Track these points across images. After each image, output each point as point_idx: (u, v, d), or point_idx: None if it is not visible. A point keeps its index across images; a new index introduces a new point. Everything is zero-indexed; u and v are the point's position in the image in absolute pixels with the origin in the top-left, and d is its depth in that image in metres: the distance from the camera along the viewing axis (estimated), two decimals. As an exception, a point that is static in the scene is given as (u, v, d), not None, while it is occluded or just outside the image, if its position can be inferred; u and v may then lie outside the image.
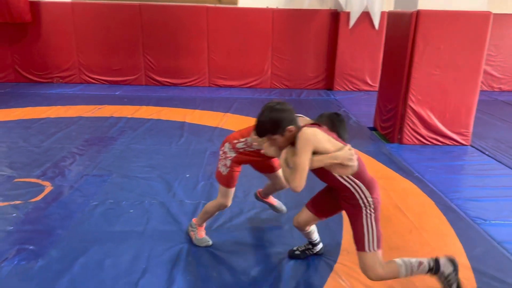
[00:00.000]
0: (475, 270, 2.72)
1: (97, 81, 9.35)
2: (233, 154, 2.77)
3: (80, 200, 3.60)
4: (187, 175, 4.19)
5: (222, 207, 2.90)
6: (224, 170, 2.79)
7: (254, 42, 9.17)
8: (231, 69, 9.33)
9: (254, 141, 2.59)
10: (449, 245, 3.05)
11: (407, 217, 3.45)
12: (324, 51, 9.38)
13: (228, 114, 6.89)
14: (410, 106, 5.26)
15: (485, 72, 9.49)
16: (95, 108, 6.98)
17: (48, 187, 3.84)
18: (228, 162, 2.77)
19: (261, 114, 2.27)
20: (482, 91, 9.43)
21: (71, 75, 9.33)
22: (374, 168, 4.56)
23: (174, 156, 4.77)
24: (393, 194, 3.91)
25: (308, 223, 2.62)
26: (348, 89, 9.36)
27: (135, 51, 9.13)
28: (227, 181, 2.80)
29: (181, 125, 6.09)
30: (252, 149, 2.69)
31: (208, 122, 6.31)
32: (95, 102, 7.44)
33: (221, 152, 2.84)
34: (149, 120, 6.34)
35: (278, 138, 2.26)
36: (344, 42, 9.05)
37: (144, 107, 7.14)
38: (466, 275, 2.65)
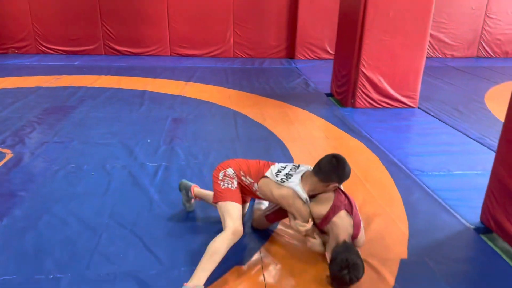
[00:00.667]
0: (409, 215, 3.06)
1: (55, 51, 9.13)
2: (236, 182, 2.56)
3: (41, 165, 3.69)
4: (148, 141, 4.33)
5: (236, 234, 2.34)
6: (232, 186, 2.52)
7: (216, 10, 9.16)
8: (193, 38, 9.32)
9: (299, 225, 2.40)
10: (388, 194, 3.38)
11: (354, 171, 3.73)
12: (286, 20, 9.49)
13: (190, 82, 6.98)
14: (362, 71, 5.53)
15: (438, 39, 9.94)
16: (53, 78, 6.89)
17: (9, 154, 3.89)
18: (235, 183, 2.55)
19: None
20: (435, 58, 9.94)
21: (27, 45, 9.07)
22: (328, 130, 4.85)
23: (135, 123, 4.87)
24: (342, 152, 4.17)
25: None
26: (309, 58, 9.59)
27: (92, 20, 8.95)
28: (231, 194, 2.49)
29: (142, 93, 6.15)
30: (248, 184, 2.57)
31: (170, 90, 6.39)
32: (53, 73, 7.33)
33: (221, 175, 2.56)
34: (109, 89, 6.34)
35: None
36: (305, 10, 9.19)
37: (103, 77, 7.10)
38: (401, 218, 2.99)
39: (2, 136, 4.33)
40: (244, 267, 2.43)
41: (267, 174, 2.49)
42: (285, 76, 7.72)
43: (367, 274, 2.36)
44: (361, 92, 5.66)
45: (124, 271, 2.36)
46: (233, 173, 2.55)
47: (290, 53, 9.71)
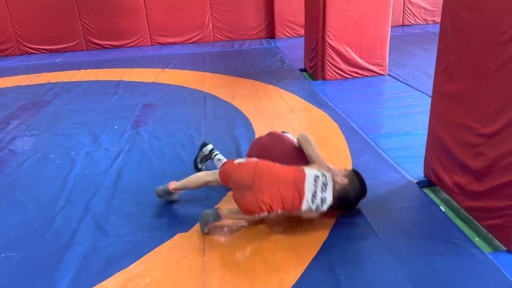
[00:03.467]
0: (356, 174, 3.15)
1: (38, 51, 9.24)
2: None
3: (9, 157, 3.84)
4: (116, 127, 4.45)
5: None
6: None
7: (191, -5, 9.17)
8: (172, 25, 9.36)
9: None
10: (340, 157, 3.47)
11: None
12: (263, -1, 9.48)
13: (167, 69, 7.06)
14: (328, 42, 5.57)
15: (418, 6, 9.86)
16: (33, 77, 7.02)
17: (-21, 150, 4.05)
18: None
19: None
20: (416, 25, 9.87)
21: (10, 47, 9.18)
22: (295, 104, 4.92)
23: (106, 112, 4.99)
24: (304, 122, 4.30)
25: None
26: (290, 36, 9.58)
27: (71, 16, 9.01)
28: None
29: (117, 83, 6.26)
30: None
31: (145, 78, 6.48)
32: (34, 71, 7.45)
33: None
34: (85, 82, 6.46)
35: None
36: (280, -12, 9.16)
37: (82, 71, 7.21)
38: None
39: (-24, 134, 4.48)
40: (187, 233, 2.56)
41: (303, 207, 2.40)
42: (262, 56, 7.76)
43: (302, 230, 2.48)
44: (329, 64, 5.70)
45: (73, 246, 2.50)
46: (266, 214, 2.43)
47: (270, 33, 9.71)
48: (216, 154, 3.19)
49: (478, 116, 2.32)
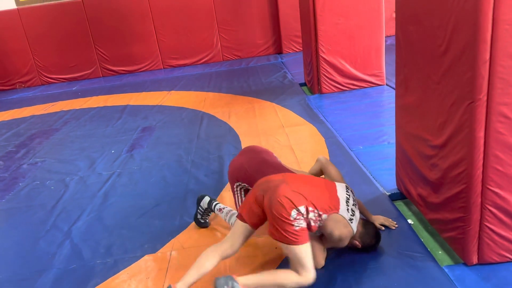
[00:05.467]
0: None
1: (57, 80, 9.74)
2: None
3: (11, 184, 4.09)
4: (112, 151, 4.64)
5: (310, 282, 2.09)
6: (303, 225, 2.11)
7: (199, 17, 9.43)
8: (181, 48, 9.65)
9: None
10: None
11: (294, 154, 3.88)
12: (268, 16, 9.62)
13: (172, 91, 7.28)
14: (322, 56, 5.61)
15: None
16: (48, 106, 7.41)
17: (-15, 179, 4.33)
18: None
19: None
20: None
21: (31, 78, 9.73)
22: (287, 119, 4.97)
23: (107, 137, 5.21)
24: (292, 138, 4.33)
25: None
26: (297, 50, 9.64)
27: (86, 45, 9.47)
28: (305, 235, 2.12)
29: (123, 108, 6.51)
30: None
31: (150, 102, 6.72)
32: (51, 100, 7.85)
33: (293, 214, 2.06)
34: (94, 108, 6.76)
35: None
36: (285, 3, 9.28)
37: (94, 98, 7.55)
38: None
39: (-13, 164, 4.80)
40: (155, 254, 2.66)
41: (341, 211, 2.19)
42: (266, 72, 7.86)
43: (264, 252, 2.52)
44: (325, 77, 5.72)
45: (49, 270, 2.64)
46: (304, 211, 2.09)
47: (278, 49, 9.82)
48: (216, 204, 2.82)
49: (429, 128, 2.31)
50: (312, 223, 2.11)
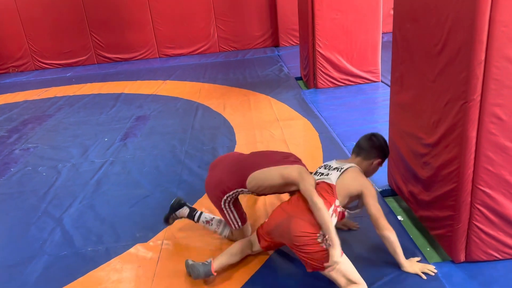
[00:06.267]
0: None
1: (51, 65, 9.65)
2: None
3: (3, 170, 4.06)
4: (106, 139, 4.62)
5: None
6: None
7: (196, 7, 9.37)
8: (178, 38, 9.58)
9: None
10: (312, 166, 3.49)
11: (288, 148, 3.89)
12: (266, 8, 9.58)
13: (168, 81, 7.25)
14: (318, 51, 5.60)
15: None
16: (42, 91, 7.34)
17: (-24, 164, 4.29)
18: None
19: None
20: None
21: (25, 63, 9.62)
22: (282, 113, 4.98)
23: (100, 124, 5.18)
24: (286, 132, 4.34)
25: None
26: (294, 44, 9.62)
27: (82, 31, 9.37)
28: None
29: (118, 96, 6.47)
30: None
31: (145, 91, 6.68)
32: (45, 86, 7.78)
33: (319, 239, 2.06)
34: (89, 95, 6.71)
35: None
36: (283, -3, 9.25)
37: (88, 84, 7.49)
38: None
39: (-22, 148, 4.75)
40: (146, 244, 2.67)
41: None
42: (262, 65, 7.85)
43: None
44: (321, 72, 5.73)
45: (40, 256, 2.64)
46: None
47: (275, 42, 9.80)
48: (199, 215, 2.63)
49: (423, 126, 2.33)
50: (340, 216, 2.22)
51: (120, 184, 3.52)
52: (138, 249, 2.61)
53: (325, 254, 2.01)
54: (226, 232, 2.59)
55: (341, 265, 2.01)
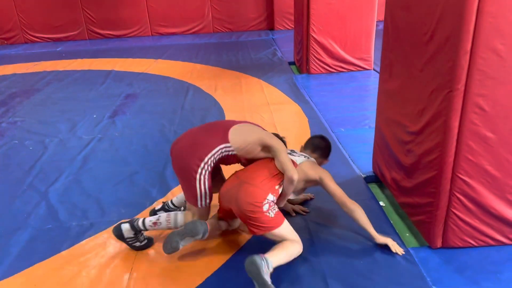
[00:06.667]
0: (309, 168, 3.22)
1: (41, 39, 9.49)
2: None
3: (-12, 143, 4.03)
4: (94, 116, 4.59)
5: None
6: (276, 208, 2.20)
7: (191, -14, 9.25)
8: (172, 16, 9.47)
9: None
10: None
11: (277, 132, 3.90)
12: (262, -10, 9.49)
13: (159, 60, 7.18)
14: (312, 36, 5.59)
15: None
16: (31, 65, 7.24)
17: (-38, 135, 4.25)
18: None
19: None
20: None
21: (14, 35, 9.46)
22: (273, 97, 4.98)
23: (89, 101, 5.14)
24: (276, 116, 4.35)
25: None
26: (289, 28, 9.57)
27: (73, 5, 9.22)
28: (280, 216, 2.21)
29: (108, 73, 6.41)
30: None
31: (136, 69, 6.62)
32: (34, 60, 7.67)
33: (265, 207, 2.13)
34: (79, 71, 6.64)
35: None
36: (280, -20, 9.15)
37: (78, 60, 7.39)
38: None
39: (-36, 120, 4.70)
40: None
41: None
42: (256, 48, 7.80)
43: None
44: (314, 57, 5.72)
45: (24, 228, 2.65)
46: (273, 197, 2.20)
47: (270, 25, 9.73)
48: (142, 221, 2.34)
49: (408, 115, 2.36)
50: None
51: (107, 161, 3.52)
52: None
53: (268, 219, 2.11)
54: (181, 219, 2.34)
55: (281, 229, 2.16)
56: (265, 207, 2.12)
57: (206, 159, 2.22)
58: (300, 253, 2.19)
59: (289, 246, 2.14)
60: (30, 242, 2.52)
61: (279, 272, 2.07)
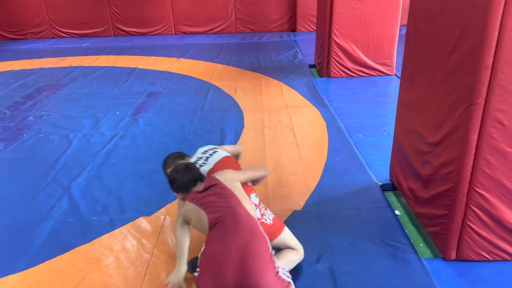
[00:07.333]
0: (325, 173, 3.24)
1: (68, 34, 9.72)
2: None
3: (16, 134, 4.18)
4: (117, 113, 4.71)
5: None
6: (270, 213, 2.30)
7: (216, -14, 9.34)
8: (195, 15, 9.58)
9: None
10: (316, 155, 3.55)
11: (294, 136, 3.94)
12: (286, -8, 9.50)
13: (182, 59, 7.28)
14: (334, 40, 5.58)
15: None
16: (58, 60, 7.44)
17: (-8, 127, 4.42)
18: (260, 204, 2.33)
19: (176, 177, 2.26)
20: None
21: (42, 30, 9.71)
22: (292, 100, 5.01)
23: (113, 98, 5.27)
24: (294, 119, 4.38)
25: None
26: (311, 30, 9.56)
27: (100, 2, 9.41)
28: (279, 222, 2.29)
29: (131, 70, 6.54)
30: None
31: (159, 67, 6.73)
32: (61, 55, 7.87)
33: (258, 213, 2.20)
34: (103, 67, 6.79)
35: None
36: (304, -19, 9.15)
37: (103, 57, 7.56)
38: (314, 176, 3.18)
39: (-6, 112, 4.88)
40: (149, 217, 2.77)
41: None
42: (277, 49, 7.83)
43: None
44: (335, 61, 5.72)
45: (47, 220, 2.76)
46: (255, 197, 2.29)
47: (292, 26, 9.73)
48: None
49: (427, 125, 2.36)
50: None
51: (128, 158, 3.61)
52: (141, 222, 2.71)
53: (267, 226, 2.17)
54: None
55: (283, 236, 2.20)
56: (258, 214, 2.17)
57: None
58: (301, 259, 2.23)
59: (288, 254, 2.20)
60: (52, 234, 2.62)
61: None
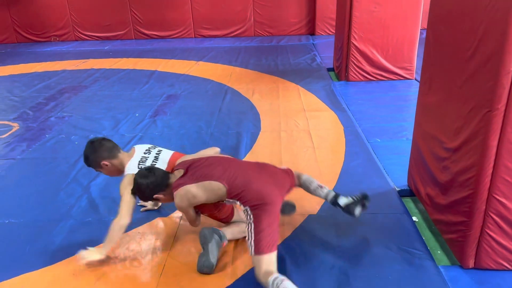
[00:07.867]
0: (341, 178, 3.22)
1: (90, 37, 9.93)
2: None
3: (39, 135, 4.29)
4: (137, 115, 4.78)
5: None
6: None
7: (235, -10, 9.40)
8: (215, 19, 9.66)
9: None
10: (333, 159, 3.54)
11: (311, 140, 3.93)
12: (305, -5, 9.50)
13: (201, 62, 7.35)
14: (353, 43, 5.55)
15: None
16: (80, 62, 7.60)
17: (16, 127, 4.53)
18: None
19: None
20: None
21: (66, 33, 9.94)
22: (310, 103, 5.00)
23: (133, 100, 5.35)
24: (311, 123, 4.37)
25: None
26: (330, 33, 9.51)
27: (122, 6, 9.58)
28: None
29: (151, 73, 6.63)
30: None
31: (178, 70, 6.81)
32: (83, 57, 8.04)
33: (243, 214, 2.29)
34: (124, 70, 6.91)
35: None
36: (323, -16, 9.13)
37: (124, 59, 7.69)
38: (330, 181, 3.16)
39: (18, 112, 5.01)
40: (166, 218, 2.80)
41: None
42: (296, 53, 7.82)
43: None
44: (354, 65, 5.68)
45: (66, 219, 2.82)
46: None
47: (311, 30, 9.72)
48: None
49: (446, 130, 2.32)
50: None
51: (146, 159, 3.65)
52: (158, 223, 2.75)
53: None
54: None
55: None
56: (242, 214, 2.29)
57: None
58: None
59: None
60: (71, 233, 2.68)
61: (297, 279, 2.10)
